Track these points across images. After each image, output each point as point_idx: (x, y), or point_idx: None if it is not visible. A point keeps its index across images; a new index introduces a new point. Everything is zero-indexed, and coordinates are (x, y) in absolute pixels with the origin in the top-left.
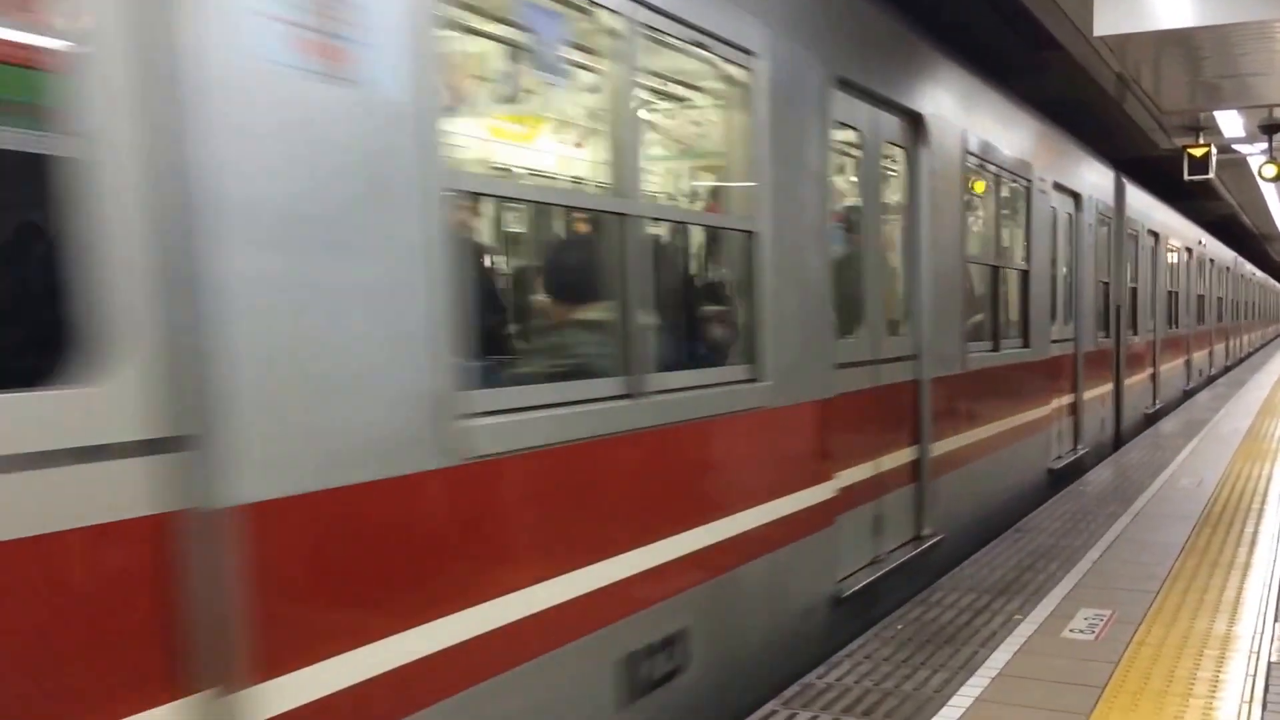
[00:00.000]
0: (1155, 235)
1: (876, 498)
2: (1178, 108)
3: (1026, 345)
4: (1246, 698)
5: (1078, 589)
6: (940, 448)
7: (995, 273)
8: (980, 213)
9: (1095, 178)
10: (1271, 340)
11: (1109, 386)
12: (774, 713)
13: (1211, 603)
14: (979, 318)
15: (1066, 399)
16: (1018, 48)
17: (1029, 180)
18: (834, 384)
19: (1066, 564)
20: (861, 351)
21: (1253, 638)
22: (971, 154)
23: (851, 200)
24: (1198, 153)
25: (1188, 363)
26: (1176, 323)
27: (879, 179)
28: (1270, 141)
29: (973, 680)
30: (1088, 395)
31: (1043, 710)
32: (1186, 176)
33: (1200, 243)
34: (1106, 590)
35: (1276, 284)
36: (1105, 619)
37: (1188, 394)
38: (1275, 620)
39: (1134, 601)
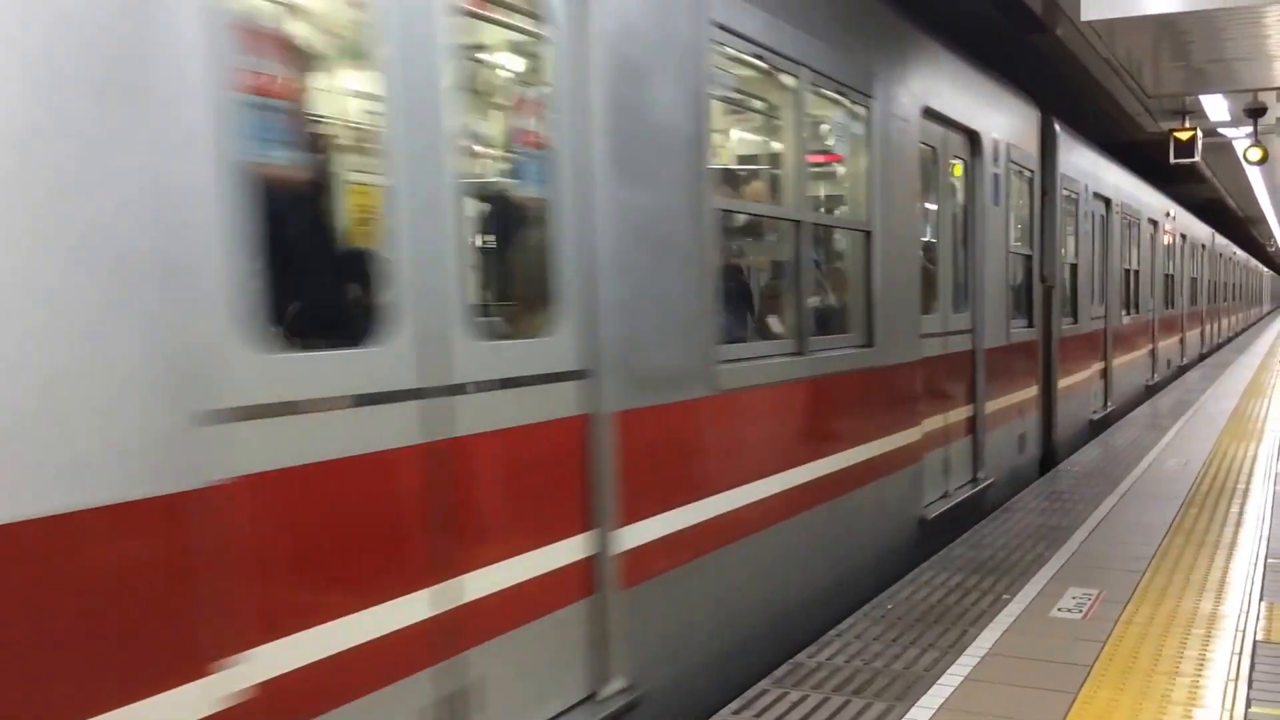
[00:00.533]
0: (1106, 201)
1: (408, 671)
2: (1164, 92)
3: (870, 344)
4: (1232, 676)
5: (1065, 569)
6: (637, 535)
7: (799, 233)
8: (763, 135)
9: (1006, 117)
10: (1254, 324)
11: (1032, 391)
12: (765, 691)
13: (1198, 582)
14: (767, 304)
15: (958, 414)
16: (1004, 30)
17: (868, 97)
18: (241, 453)
19: (1054, 544)
20: (387, 377)
21: (1238, 616)
22: (729, 31)
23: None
24: (1184, 136)
25: (1152, 353)
26: (1136, 306)
27: (429, 45)
28: (1255, 125)
29: (962, 659)
30: (994, 407)
31: (1032, 689)
32: (1172, 160)
33: (1169, 215)
34: (1094, 570)
35: (1259, 264)
36: (1093, 598)
37: (1152, 390)
38: (1261, 599)
39: (1121, 581)
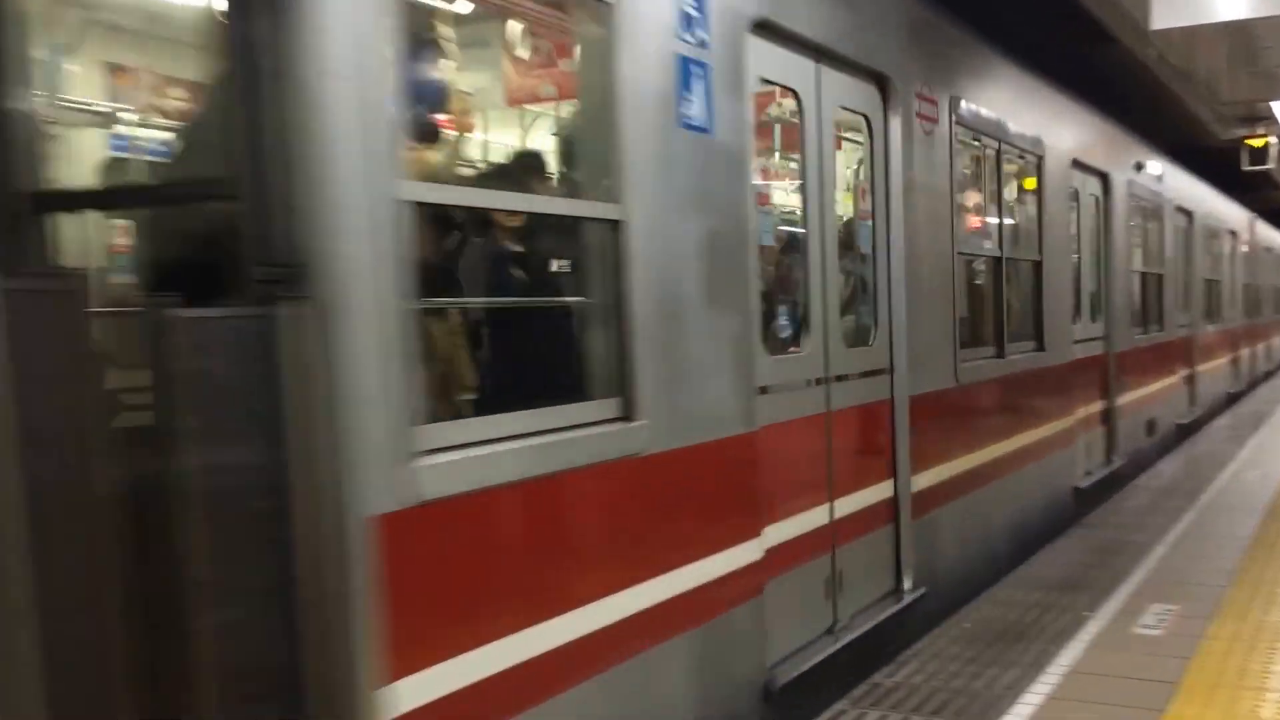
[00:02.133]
0: (879, 102)
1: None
2: (1237, 98)
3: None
4: None
5: (1145, 584)
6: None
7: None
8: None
9: None
10: None
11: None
12: (843, 712)
13: None
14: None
15: None
16: (1071, 42)
17: None
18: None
19: (1133, 559)
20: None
21: None
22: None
23: None
24: (1257, 143)
25: (1108, 432)
26: (1040, 341)
27: None
28: None
29: (1043, 677)
30: None
31: (1116, 707)
32: (1246, 167)
33: (1142, 169)
34: (1174, 585)
35: None
36: (1174, 614)
37: (1095, 494)
38: None
39: (1202, 596)
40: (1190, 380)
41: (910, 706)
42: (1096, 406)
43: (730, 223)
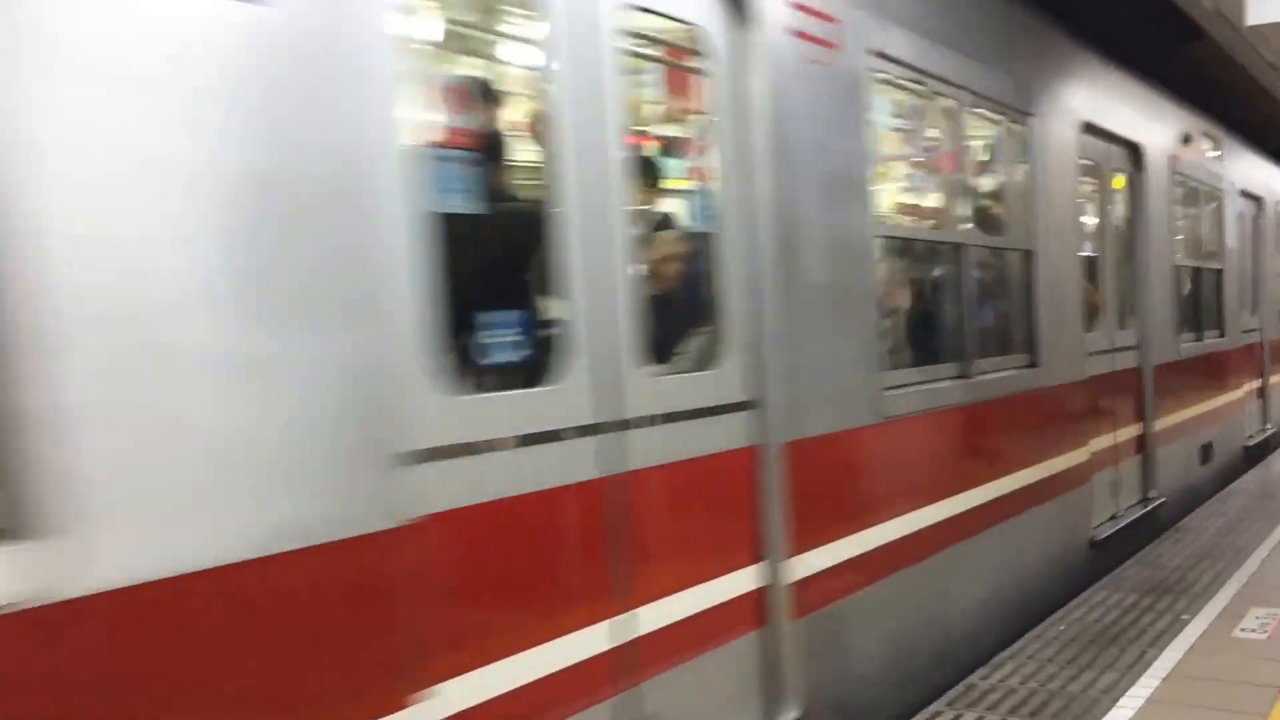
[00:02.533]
0: None
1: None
2: None
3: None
4: None
5: (1246, 588)
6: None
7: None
8: None
9: None
10: None
11: None
12: (939, 714)
13: None
14: None
15: None
16: (1160, 40)
17: None
18: None
19: (1233, 563)
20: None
21: None
22: None
23: None
24: None
25: (1144, 464)
26: (1033, 355)
27: None
28: None
29: (1143, 680)
30: None
31: (1217, 710)
32: None
33: (1193, 144)
34: (1275, 589)
35: None
36: (1276, 618)
37: None
38: None
39: None
40: (1261, 393)
41: (1007, 708)
42: (1126, 433)
43: (323, 169)
